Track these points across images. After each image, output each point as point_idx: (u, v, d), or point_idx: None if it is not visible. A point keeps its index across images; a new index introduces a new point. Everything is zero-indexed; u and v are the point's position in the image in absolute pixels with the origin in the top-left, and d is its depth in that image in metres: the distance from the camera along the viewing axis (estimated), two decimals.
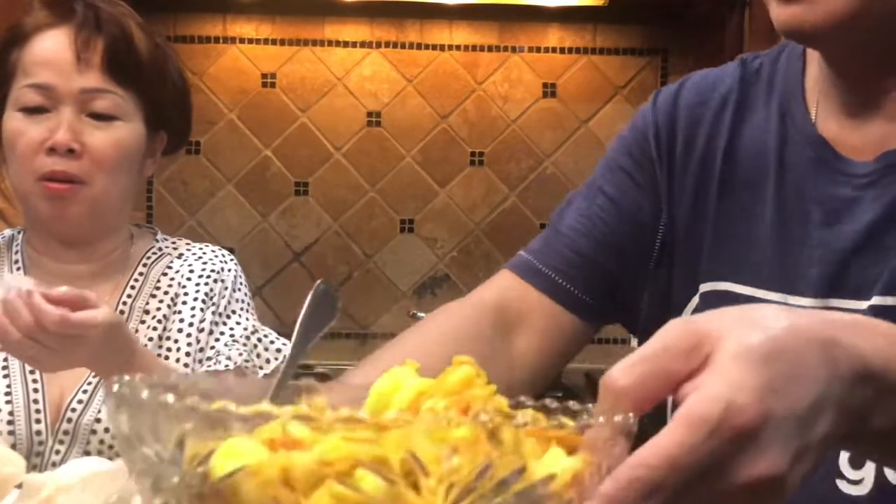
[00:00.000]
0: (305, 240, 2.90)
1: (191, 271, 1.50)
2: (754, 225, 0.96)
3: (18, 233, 1.52)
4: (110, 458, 1.35)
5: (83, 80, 1.40)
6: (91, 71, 1.40)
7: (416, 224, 2.90)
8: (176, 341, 1.43)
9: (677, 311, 0.99)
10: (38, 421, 1.38)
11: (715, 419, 0.51)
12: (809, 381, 0.56)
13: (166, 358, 1.42)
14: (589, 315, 1.05)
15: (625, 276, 1.04)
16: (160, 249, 1.53)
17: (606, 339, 2.74)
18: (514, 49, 2.89)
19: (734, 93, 1.01)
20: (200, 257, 1.52)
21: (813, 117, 0.97)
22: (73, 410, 1.39)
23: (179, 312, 1.46)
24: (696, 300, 0.97)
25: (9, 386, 1.39)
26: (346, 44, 2.88)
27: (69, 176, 1.39)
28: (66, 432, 1.37)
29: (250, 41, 2.87)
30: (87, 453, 1.37)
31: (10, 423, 1.37)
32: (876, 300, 0.89)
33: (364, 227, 2.91)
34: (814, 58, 0.99)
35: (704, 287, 0.97)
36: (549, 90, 2.90)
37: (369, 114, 2.89)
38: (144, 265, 1.50)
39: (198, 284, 1.49)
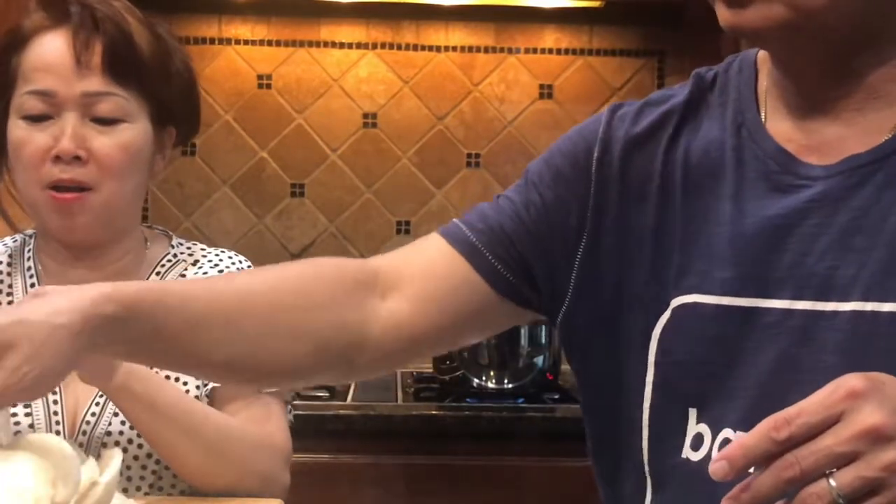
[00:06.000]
0: (302, 241, 2.89)
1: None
2: (715, 239, 0.96)
3: (30, 237, 1.50)
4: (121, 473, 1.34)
5: (84, 83, 1.37)
6: (91, 74, 1.37)
7: (413, 226, 2.90)
8: None
9: (643, 328, 0.99)
10: (58, 433, 1.35)
11: (834, 384, 0.73)
12: None
13: None
14: (507, 291, 1.07)
15: (546, 274, 1.06)
16: (175, 256, 1.50)
17: None
18: (510, 50, 2.88)
19: (679, 110, 1.03)
20: (217, 264, 1.51)
21: (764, 121, 0.98)
22: (88, 423, 1.37)
23: None
24: (667, 315, 0.98)
25: None
26: (341, 45, 2.87)
27: (77, 183, 1.37)
28: (80, 444, 1.35)
29: (246, 42, 2.86)
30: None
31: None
32: (856, 305, 0.89)
33: (360, 228, 2.91)
34: (765, 65, 1.00)
35: (675, 302, 0.97)
36: (546, 91, 2.89)
37: (365, 115, 2.88)
38: (158, 273, 1.48)
39: None
